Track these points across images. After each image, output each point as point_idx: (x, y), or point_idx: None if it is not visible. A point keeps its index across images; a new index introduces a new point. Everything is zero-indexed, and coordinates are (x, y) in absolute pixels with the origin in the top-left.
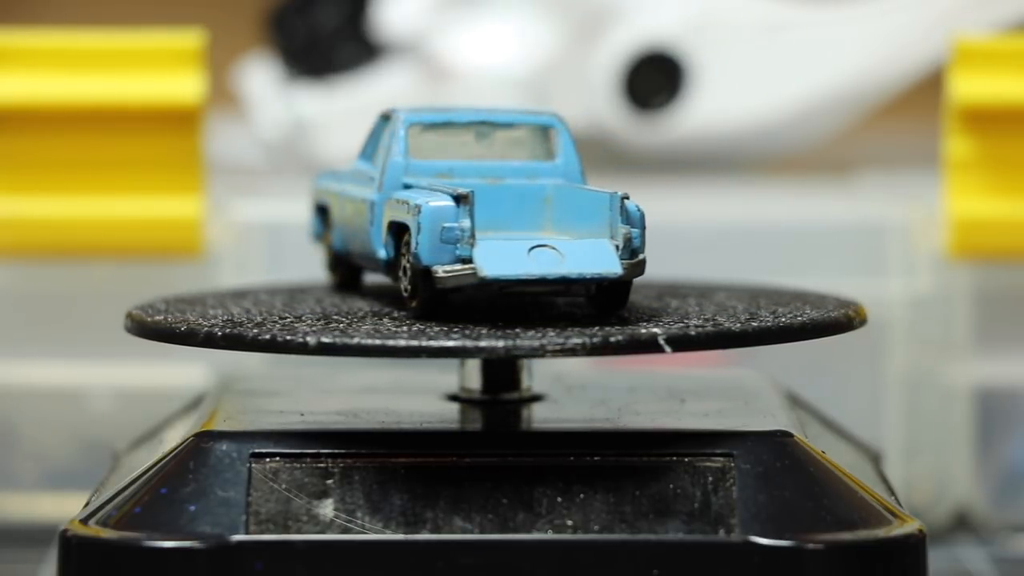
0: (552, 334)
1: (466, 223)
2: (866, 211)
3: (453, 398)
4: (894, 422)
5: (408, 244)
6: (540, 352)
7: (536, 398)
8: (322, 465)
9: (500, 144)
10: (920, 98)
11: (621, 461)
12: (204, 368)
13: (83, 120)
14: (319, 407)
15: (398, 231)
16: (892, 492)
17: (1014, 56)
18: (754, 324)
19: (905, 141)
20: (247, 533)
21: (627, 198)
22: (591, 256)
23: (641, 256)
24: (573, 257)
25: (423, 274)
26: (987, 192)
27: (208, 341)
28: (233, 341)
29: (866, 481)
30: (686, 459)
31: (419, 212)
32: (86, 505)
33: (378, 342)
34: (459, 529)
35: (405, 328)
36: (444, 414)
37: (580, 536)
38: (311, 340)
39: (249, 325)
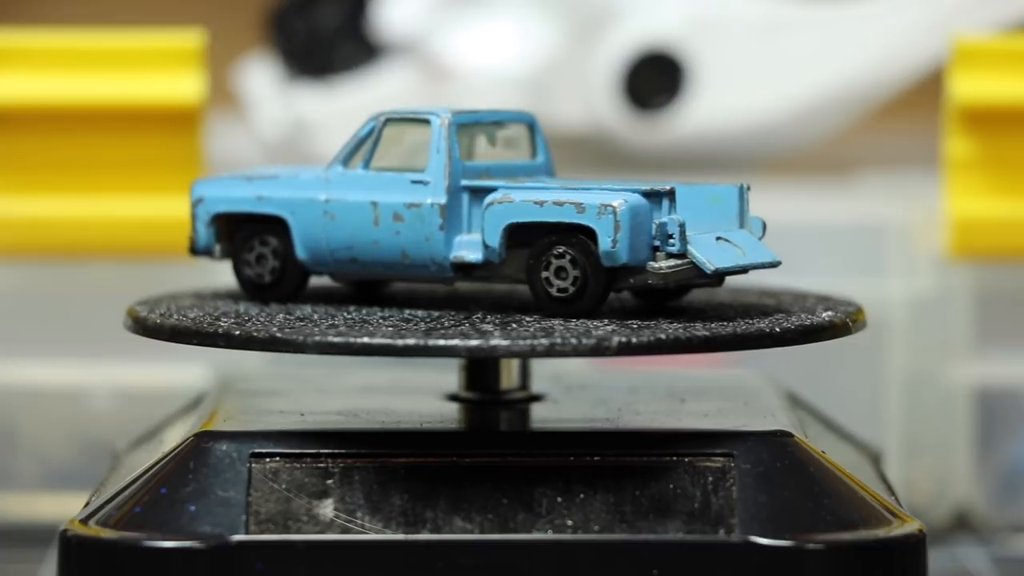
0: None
1: (681, 219)
2: (866, 211)
3: (453, 398)
4: (894, 422)
5: (560, 245)
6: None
7: (536, 398)
8: (322, 465)
9: (501, 144)
10: (920, 98)
11: (621, 461)
12: (204, 368)
13: (83, 120)
14: (319, 407)
15: (513, 233)
16: (892, 492)
17: (1014, 56)
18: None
19: (905, 141)
20: (247, 533)
21: (749, 189)
22: (752, 246)
23: None
24: (746, 248)
25: (608, 272)
26: (987, 192)
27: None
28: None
29: (866, 481)
30: (686, 459)
31: (615, 211)
32: (86, 505)
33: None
34: (459, 529)
35: (576, 328)
36: (444, 414)
37: (580, 536)
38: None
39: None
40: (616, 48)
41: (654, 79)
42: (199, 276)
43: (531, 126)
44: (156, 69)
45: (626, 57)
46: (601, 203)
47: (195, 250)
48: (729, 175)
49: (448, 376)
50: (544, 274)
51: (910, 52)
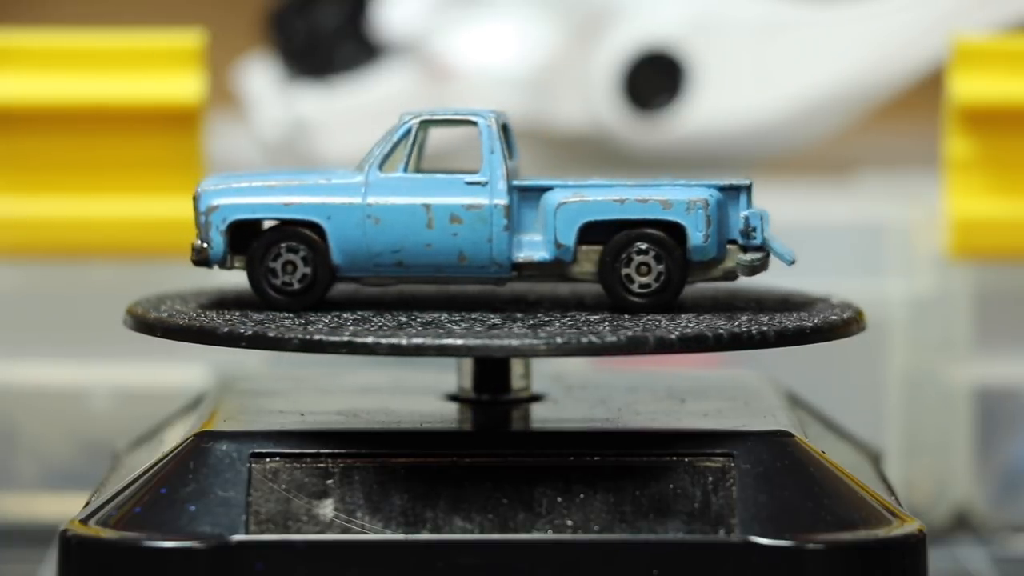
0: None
1: (762, 212)
2: (866, 211)
3: (453, 398)
4: (894, 422)
5: (642, 240)
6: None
7: (536, 398)
8: (322, 465)
9: None
10: (920, 98)
11: (621, 461)
12: (204, 368)
13: (83, 120)
14: (319, 407)
15: (585, 231)
16: (892, 492)
17: (1014, 56)
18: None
19: (905, 141)
20: (247, 533)
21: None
22: (778, 238)
23: None
24: (780, 239)
25: (686, 266)
26: (987, 192)
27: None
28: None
29: (866, 481)
30: (686, 459)
31: (705, 207)
32: (86, 505)
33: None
34: (459, 529)
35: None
36: (444, 414)
37: (580, 536)
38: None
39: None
40: (616, 48)
41: (654, 79)
42: (199, 277)
43: (506, 127)
44: (156, 69)
45: (626, 57)
46: (690, 199)
47: (207, 261)
48: (730, 175)
49: (448, 376)
50: (625, 271)
51: (910, 52)
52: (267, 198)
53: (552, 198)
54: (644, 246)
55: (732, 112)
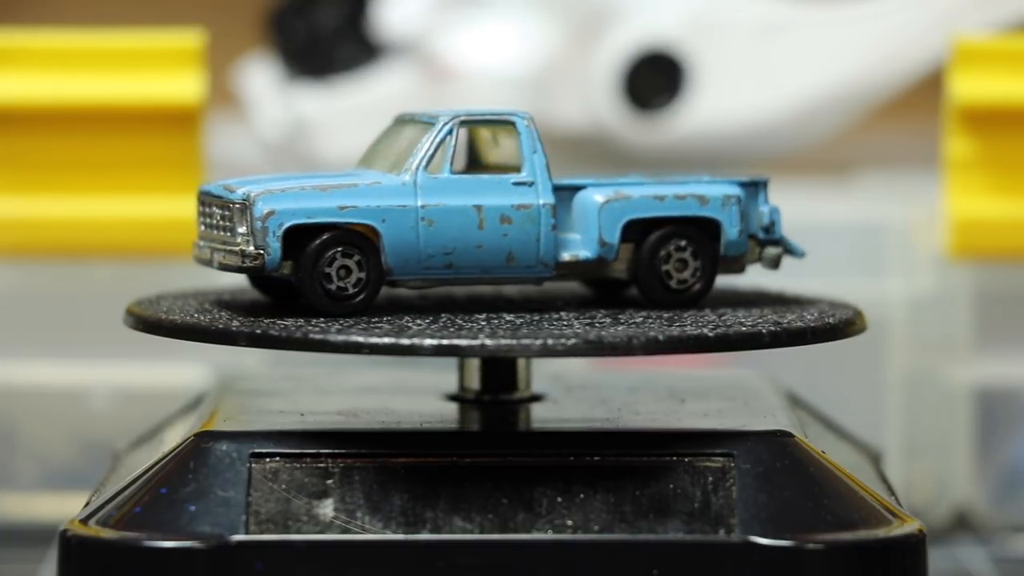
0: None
1: (778, 207)
2: (866, 211)
3: (453, 398)
4: (894, 422)
5: (681, 237)
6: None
7: (536, 398)
8: (322, 465)
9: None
10: (920, 98)
11: (621, 461)
12: (204, 368)
13: (83, 120)
14: (319, 407)
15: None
16: (892, 492)
17: (1014, 56)
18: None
19: (905, 141)
20: (247, 533)
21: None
22: None
23: None
24: None
25: (718, 261)
26: (987, 192)
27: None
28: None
29: (866, 481)
30: (686, 459)
31: (739, 202)
32: (86, 505)
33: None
34: (459, 529)
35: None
36: (444, 414)
37: (580, 536)
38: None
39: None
40: (616, 48)
41: (654, 79)
42: (199, 277)
43: None
44: (156, 69)
45: (626, 57)
46: (725, 194)
47: (263, 267)
48: (729, 175)
49: (448, 376)
50: (664, 267)
51: (909, 52)
52: (322, 202)
53: (590, 196)
54: (683, 242)
55: (732, 112)
